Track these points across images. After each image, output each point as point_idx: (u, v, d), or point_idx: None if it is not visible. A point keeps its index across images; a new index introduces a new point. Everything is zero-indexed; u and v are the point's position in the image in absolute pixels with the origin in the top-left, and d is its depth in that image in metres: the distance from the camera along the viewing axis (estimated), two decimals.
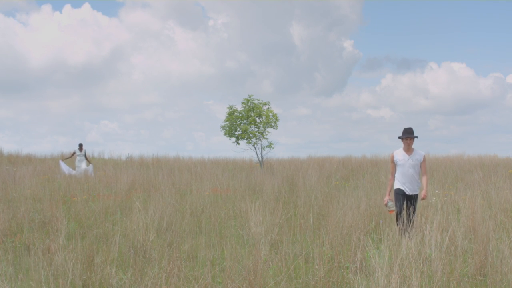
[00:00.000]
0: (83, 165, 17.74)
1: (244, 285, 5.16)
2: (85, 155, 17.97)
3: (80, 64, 38.64)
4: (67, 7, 40.01)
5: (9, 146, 42.82)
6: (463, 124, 41.95)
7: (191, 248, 6.88)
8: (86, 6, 39.90)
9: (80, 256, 5.89)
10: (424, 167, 7.62)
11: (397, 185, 7.65)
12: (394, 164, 7.70)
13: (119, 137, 39.04)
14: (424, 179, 7.61)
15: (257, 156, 19.31)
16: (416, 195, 7.63)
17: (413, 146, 7.66)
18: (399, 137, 7.70)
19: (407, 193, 7.51)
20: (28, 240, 7.22)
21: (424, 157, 7.64)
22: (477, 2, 42.20)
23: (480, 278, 5.72)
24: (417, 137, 7.59)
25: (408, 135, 7.54)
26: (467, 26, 43.25)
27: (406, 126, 7.66)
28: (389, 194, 7.62)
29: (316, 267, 5.63)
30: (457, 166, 17.60)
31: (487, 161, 19.78)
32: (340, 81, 42.09)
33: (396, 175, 7.67)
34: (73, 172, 17.24)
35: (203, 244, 7.07)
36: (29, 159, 21.87)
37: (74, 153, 18.11)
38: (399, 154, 7.67)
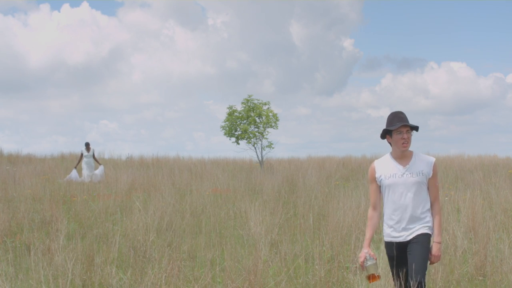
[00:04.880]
0: (89, 169, 15.84)
1: (244, 285, 5.15)
2: (93, 156, 16.22)
3: (79, 63, 38.62)
4: (66, 6, 40.03)
5: (9, 146, 42.90)
6: (463, 124, 41.91)
7: (191, 248, 6.88)
8: (85, 4, 39.93)
9: (80, 256, 5.89)
10: (436, 186, 4.06)
11: (384, 232, 4.16)
12: (376, 184, 4.16)
13: (119, 137, 39.01)
14: (435, 213, 4.04)
15: (257, 156, 19.32)
16: (423, 238, 3.96)
17: (411, 149, 4.10)
18: (384, 132, 4.13)
19: (399, 240, 4.04)
20: (28, 240, 7.22)
21: (435, 166, 4.07)
22: (477, 2, 42.20)
23: (480, 278, 5.72)
24: (417, 128, 4.08)
25: (401, 122, 3.99)
26: (467, 26, 43.20)
27: (393, 111, 4.13)
28: (369, 245, 4.15)
29: (316, 267, 5.64)
30: (457, 166, 17.60)
31: (487, 161, 19.79)
32: (340, 81, 42.06)
33: (384, 208, 4.16)
34: (79, 179, 15.42)
35: (203, 244, 7.07)
36: (29, 159, 21.86)
37: (81, 154, 16.27)
38: (385, 165, 4.12)
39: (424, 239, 3.97)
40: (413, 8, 43.05)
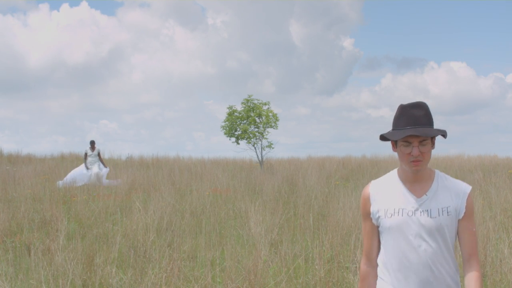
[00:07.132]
0: (95, 168, 15.00)
1: (244, 285, 5.16)
2: (98, 155, 15.43)
3: (79, 63, 38.68)
4: (65, 6, 40.12)
5: (9, 146, 42.95)
6: (463, 124, 41.93)
7: (191, 248, 6.88)
8: (84, 4, 39.97)
9: (80, 256, 5.89)
10: (473, 233, 2.29)
11: None
12: (371, 223, 2.41)
13: (119, 137, 39.01)
14: (471, 278, 2.24)
15: (257, 156, 19.31)
16: None
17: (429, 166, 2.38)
18: (383, 137, 2.35)
19: None
20: (28, 240, 7.22)
21: (471, 199, 2.32)
22: (477, 2, 42.23)
23: None
24: (444, 134, 2.34)
25: (412, 128, 2.24)
26: (467, 26, 43.25)
27: (405, 103, 2.31)
28: None
29: (316, 267, 5.64)
30: (457, 166, 17.60)
31: (487, 161, 19.78)
32: (340, 81, 42.11)
33: (380, 260, 2.42)
34: (81, 181, 14.36)
35: (203, 244, 7.07)
36: (29, 159, 21.86)
37: (85, 154, 15.47)
38: (387, 192, 2.37)
39: None
40: (413, 8, 43.10)
